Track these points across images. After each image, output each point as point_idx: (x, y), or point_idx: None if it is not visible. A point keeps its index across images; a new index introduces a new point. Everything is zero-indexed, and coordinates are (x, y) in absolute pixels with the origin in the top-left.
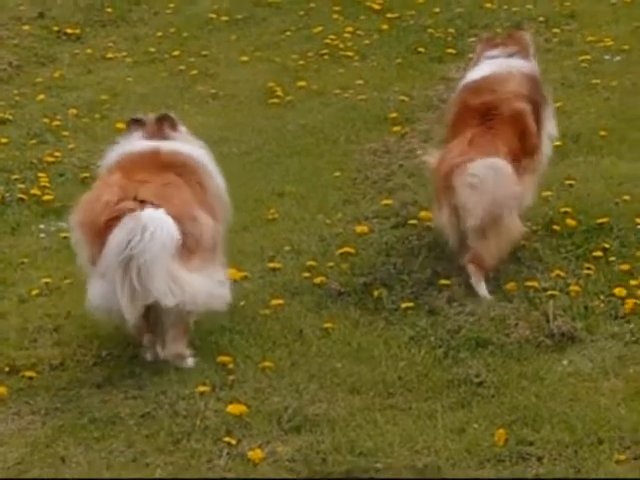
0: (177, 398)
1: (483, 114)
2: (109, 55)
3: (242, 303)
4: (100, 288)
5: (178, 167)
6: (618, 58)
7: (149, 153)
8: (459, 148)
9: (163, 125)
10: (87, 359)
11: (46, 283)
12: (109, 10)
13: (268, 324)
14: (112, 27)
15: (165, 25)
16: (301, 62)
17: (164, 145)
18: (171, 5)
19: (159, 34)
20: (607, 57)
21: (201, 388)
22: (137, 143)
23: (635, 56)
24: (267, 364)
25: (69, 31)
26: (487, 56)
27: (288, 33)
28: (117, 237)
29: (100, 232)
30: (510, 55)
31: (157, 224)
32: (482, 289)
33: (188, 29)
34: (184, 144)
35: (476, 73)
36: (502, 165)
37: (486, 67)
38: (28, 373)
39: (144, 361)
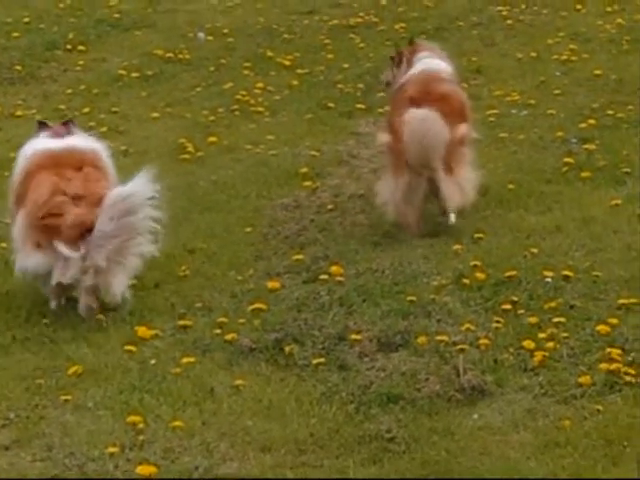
0: (86, 459)
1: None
2: (18, 112)
3: (152, 362)
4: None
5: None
6: (525, 112)
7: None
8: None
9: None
10: None
11: None
12: (18, 68)
13: (179, 382)
14: (21, 85)
15: (75, 82)
16: (212, 118)
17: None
18: (81, 62)
19: (69, 91)
20: (514, 111)
21: (110, 449)
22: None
23: (541, 110)
24: (177, 423)
25: None
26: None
27: (199, 89)
28: None
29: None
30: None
31: None
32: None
33: (98, 86)
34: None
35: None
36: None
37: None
38: None
39: (53, 422)
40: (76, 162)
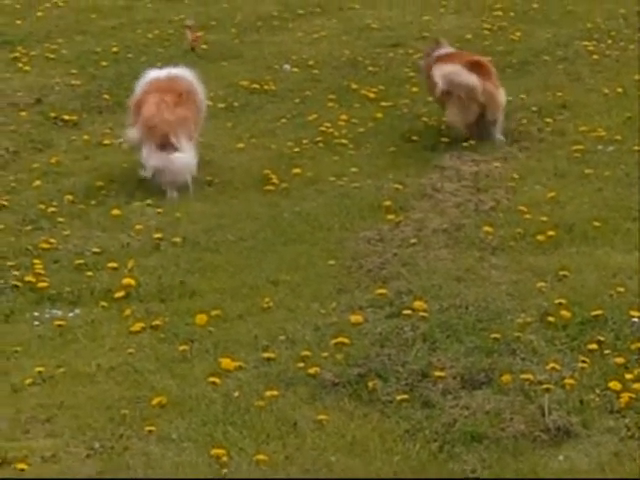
0: None
1: None
2: (106, 141)
3: (236, 394)
4: None
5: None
6: (611, 148)
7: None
8: None
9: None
10: (79, 451)
11: (39, 372)
12: (106, 97)
13: (262, 416)
14: (109, 113)
15: None
16: (296, 149)
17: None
18: None
19: None
20: (600, 147)
21: None
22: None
23: (627, 146)
24: (261, 457)
25: (66, 117)
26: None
27: (283, 120)
28: None
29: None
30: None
31: None
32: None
33: None
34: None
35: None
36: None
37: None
38: (19, 465)
39: (137, 454)
40: None
